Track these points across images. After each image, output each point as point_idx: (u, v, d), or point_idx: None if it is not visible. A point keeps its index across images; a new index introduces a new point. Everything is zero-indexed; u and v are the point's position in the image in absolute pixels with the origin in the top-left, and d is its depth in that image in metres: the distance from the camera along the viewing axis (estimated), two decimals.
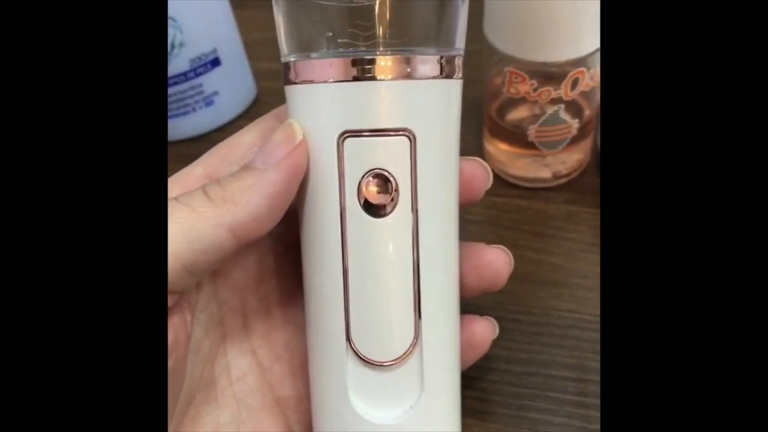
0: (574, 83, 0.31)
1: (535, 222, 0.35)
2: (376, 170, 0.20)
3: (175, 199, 0.19)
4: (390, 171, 0.20)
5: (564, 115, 0.32)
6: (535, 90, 0.31)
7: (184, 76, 0.37)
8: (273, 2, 0.20)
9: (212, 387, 0.23)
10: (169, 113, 0.38)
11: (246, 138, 0.23)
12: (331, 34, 0.19)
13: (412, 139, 0.20)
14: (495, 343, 0.30)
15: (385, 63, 0.19)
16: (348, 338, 0.21)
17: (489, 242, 0.33)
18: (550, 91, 0.31)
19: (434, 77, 0.20)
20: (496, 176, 0.37)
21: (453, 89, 0.21)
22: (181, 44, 0.36)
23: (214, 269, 0.21)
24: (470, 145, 0.38)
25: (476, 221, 0.35)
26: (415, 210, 0.20)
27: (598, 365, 0.29)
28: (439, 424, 0.22)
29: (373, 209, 0.20)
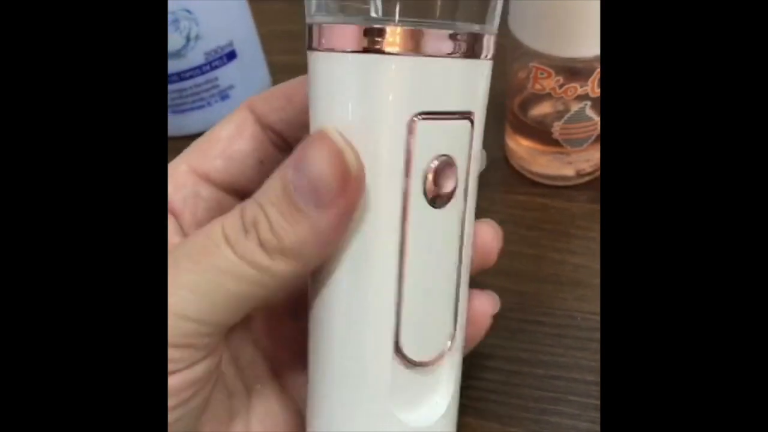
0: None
1: (558, 221, 0.34)
2: (443, 156, 0.18)
3: (231, 247, 0.18)
4: (455, 157, 0.18)
5: (590, 112, 0.31)
6: (561, 86, 0.30)
7: (200, 70, 0.37)
8: None
9: (221, 378, 0.23)
10: (185, 107, 0.37)
11: (224, 132, 0.23)
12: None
13: (472, 123, 0.18)
14: (516, 345, 0.30)
15: (455, 40, 0.17)
16: (396, 339, 0.19)
17: (511, 242, 0.33)
18: (576, 88, 0.30)
19: (490, 57, 0.19)
20: (518, 174, 0.36)
21: (490, 71, 0.19)
22: (197, 37, 0.35)
23: None
24: (492, 141, 0.37)
25: (498, 220, 0.34)
26: (465, 199, 0.19)
27: None
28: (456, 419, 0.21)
29: (437, 200, 0.18)
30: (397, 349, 0.19)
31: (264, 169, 0.23)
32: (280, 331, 0.25)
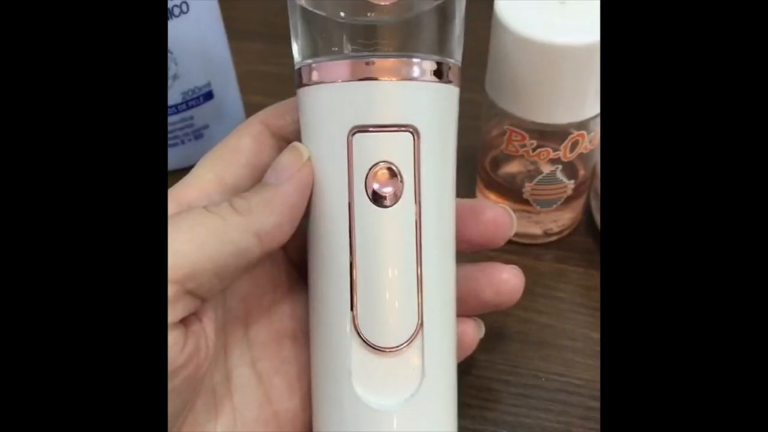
0: (574, 145, 0.31)
1: (525, 279, 0.34)
2: (382, 163, 0.21)
3: (205, 208, 0.21)
4: (395, 163, 0.21)
5: (561, 176, 0.32)
6: (534, 149, 0.31)
7: (176, 109, 0.36)
8: (289, 13, 0.22)
9: (212, 395, 0.23)
10: None
11: (243, 143, 0.24)
12: (343, 41, 0.21)
13: (415, 134, 0.21)
14: (483, 404, 0.30)
15: (390, 65, 0.21)
16: (354, 324, 0.22)
17: None
18: (549, 152, 0.31)
19: (433, 81, 0.21)
20: None
21: (451, 93, 0.22)
22: (176, 76, 0.35)
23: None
24: (462, 193, 0.37)
25: None
26: (418, 201, 0.21)
27: None
28: (438, 411, 0.23)
29: (380, 200, 0.21)
30: (358, 335, 0.22)
31: None
32: (279, 352, 0.25)
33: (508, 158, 0.33)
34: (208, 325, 0.22)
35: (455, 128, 0.23)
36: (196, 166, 0.24)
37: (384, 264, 0.22)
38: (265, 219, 0.21)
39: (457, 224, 0.24)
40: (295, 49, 0.22)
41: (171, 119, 0.36)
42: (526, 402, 0.30)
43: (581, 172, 0.33)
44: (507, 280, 0.26)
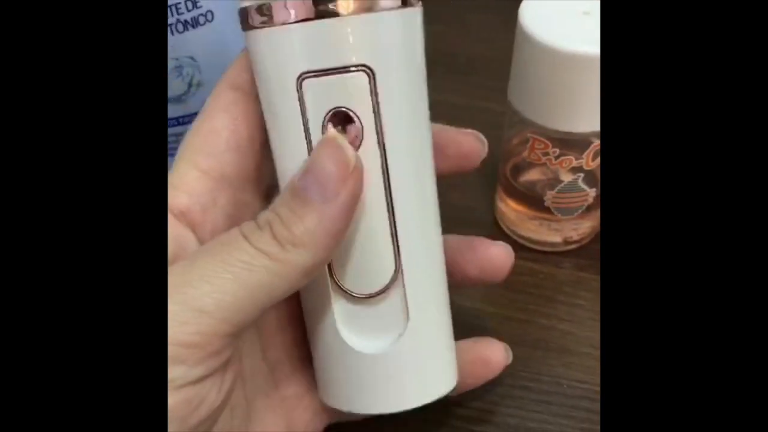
0: (596, 154, 0.31)
1: (546, 286, 0.34)
2: (337, 109, 0.20)
3: (247, 240, 0.19)
4: (351, 108, 0.20)
5: (582, 184, 0.32)
6: (557, 157, 0.31)
7: None
8: None
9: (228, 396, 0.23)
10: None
11: (218, 122, 0.22)
12: None
13: (370, 74, 0.20)
14: (505, 411, 0.30)
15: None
16: (331, 273, 0.22)
17: (501, 305, 0.33)
18: (572, 160, 0.31)
19: (385, 9, 0.19)
20: (507, 237, 0.37)
21: (409, 19, 0.20)
22: (199, 84, 0.35)
23: None
24: (482, 201, 0.38)
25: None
26: (382, 145, 0.20)
27: None
28: (426, 353, 0.23)
29: None
30: (335, 284, 0.22)
31: (269, 152, 0.22)
32: (288, 338, 0.25)
33: (529, 166, 0.34)
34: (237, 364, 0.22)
35: (419, 58, 0.21)
36: (176, 160, 0.22)
37: (359, 214, 0.21)
38: (313, 256, 0.19)
39: (455, 260, 0.24)
40: None
41: None
42: (548, 409, 0.30)
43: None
44: (495, 257, 0.26)
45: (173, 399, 0.18)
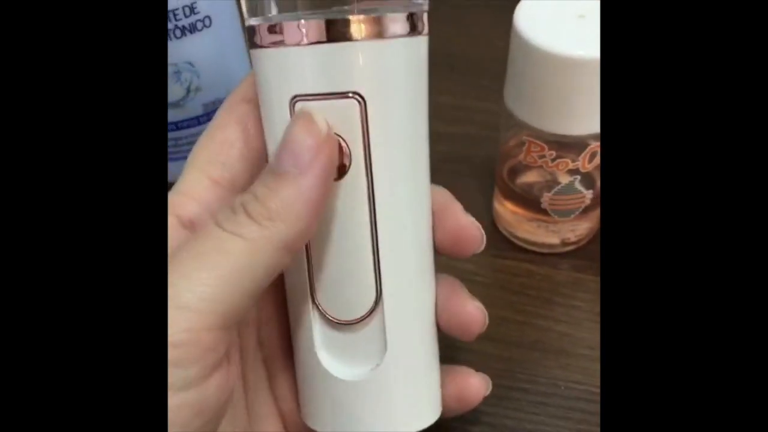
0: (592, 156, 0.31)
1: (543, 288, 0.35)
2: None
3: (220, 227, 0.19)
4: (340, 134, 0.20)
5: (579, 186, 0.32)
6: (553, 160, 0.31)
7: (197, 120, 0.37)
8: None
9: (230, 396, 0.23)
10: (179, 155, 0.37)
11: (231, 132, 0.22)
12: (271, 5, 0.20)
13: (361, 102, 0.19)
14: (503, 413, 0.30)
15: (321, 26, 0.19)
16: (313, 298, 0.22)
17: (498, 307, 0.33)
18: (568, 162, 0.31)
19: (378, 38, 0.19)
20: (504, 238, 0.37)
21: (407, 49, 0.20)
22: (197, 89, 0.36)
23: None
24: (479, 203, 0.38)
25: (485, 284, 0.35)
26: (369, 173, 0.20)
27: None
28: (404, 384, 0.23)
29: None
30: (316, 308, 0.22)
31: None
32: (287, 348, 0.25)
33: (526, 168, 0.34)
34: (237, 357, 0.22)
35: (418, 86, 0.21)
36: (187, 167, 0.22)
37: (335, 239, 0.21)
38: (291, 227, 0.19)
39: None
40: (244, 4, 0.21)
41: (192, 131, 0.37)
42: (545, 410, 0.30)
43: (599, 183, 0.33)
44: (470, 324, 0.24)
45: (173, 404, 0.18)
